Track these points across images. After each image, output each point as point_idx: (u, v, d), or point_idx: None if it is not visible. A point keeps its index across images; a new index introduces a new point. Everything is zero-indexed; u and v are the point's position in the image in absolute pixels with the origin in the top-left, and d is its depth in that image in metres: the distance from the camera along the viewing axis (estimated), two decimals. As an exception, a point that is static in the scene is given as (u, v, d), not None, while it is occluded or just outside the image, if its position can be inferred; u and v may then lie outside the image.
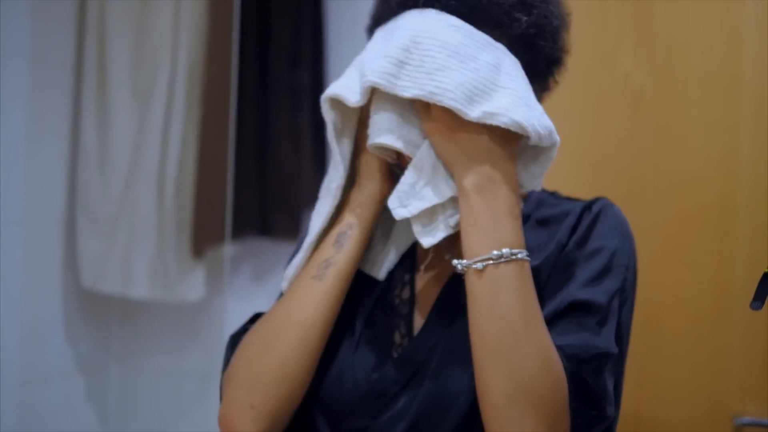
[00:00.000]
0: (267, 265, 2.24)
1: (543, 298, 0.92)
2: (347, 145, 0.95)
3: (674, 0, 1.71)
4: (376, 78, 0.85)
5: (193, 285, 2.24)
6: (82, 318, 2.37)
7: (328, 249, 0.96)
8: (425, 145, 0.89)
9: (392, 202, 0.90)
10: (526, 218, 1.01)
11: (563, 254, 0.94)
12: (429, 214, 0.90)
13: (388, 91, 0.86)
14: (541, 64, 0.96)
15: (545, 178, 0.97)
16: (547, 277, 0.93)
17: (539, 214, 0.99)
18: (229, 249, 2.24)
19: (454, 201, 0.90)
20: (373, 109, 0.90)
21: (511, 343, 0.82)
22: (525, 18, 0.91)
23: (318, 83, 2.18)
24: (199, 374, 2.32)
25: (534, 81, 0.97)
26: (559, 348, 0.86)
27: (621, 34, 1.74)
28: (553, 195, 1.06)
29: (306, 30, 2.16)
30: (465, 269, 0.86)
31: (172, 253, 2.23)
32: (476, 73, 0.85)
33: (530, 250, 0.94)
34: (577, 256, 0.94)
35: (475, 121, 0.85)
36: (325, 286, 0.94)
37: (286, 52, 2.16)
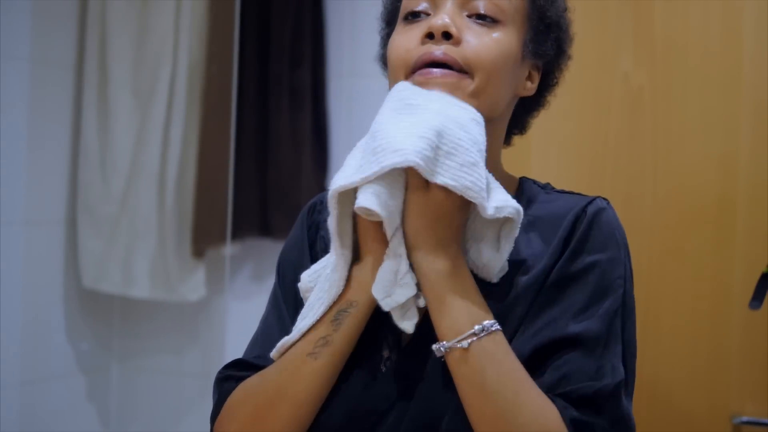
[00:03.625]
0: (267, 265, 2.24)
1: (532, 318, 0.91)
2: (348, 225, 0.93)
3: (673, 0, 1.71)
4: (417, 159, 0.82)
5: (193, 285, 2.24)
6: (82, 318, 2.37)
7: (326, 326, 0.92)
8: (399, 232, 0.89)
9: (378, 293, 0.89)
10: None
11: (555, 270, 0.93)
12: (406, 302, 0.90)
13: (424, 175, 0.84)
14: (550, 49, 0.99)
15: (542, 171, 0.97)
16: (537, 295, 0.92)
17: (530, 214, 0.97)
18: (229, 249, 2.24)
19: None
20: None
21: (507, 416, 0.84)
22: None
23: (318, 83, 2.18)
24: (199, 374, 2.33)
25: (538, 53, 0.99)
26: (565, 394, 0.86)
27: (620, 34, 1.75)
28: (545, 188, 1.04)
29: (306, 30, 2.16)
30: (448, 350, 0.87)
31: (172, 253, 2.23)
32: (486, 175, 0.88)
33: (523, 260, 0.94)
34: (569, 275, 0.92)
35: (490, 217, 0.87)
36: (319, 366, 0.92)
37: (286, 52, 2.16)
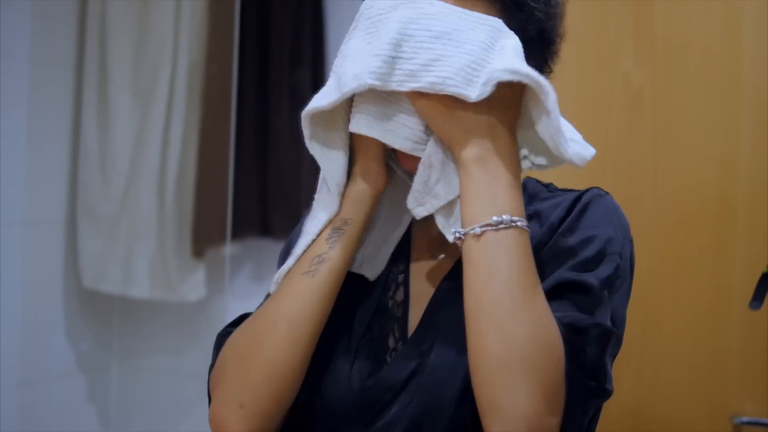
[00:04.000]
0: (267, 265, 2.24)
1: None
2: (343, 139, 0.92)
3: (673, 0, 1.71)
4: (370, 79, 0.83)
5: (193, 285, 2.24)
6: (82, 318, 2.38)
7: (321, 245, 0.93)
8: (431, 141, 0.88)
9: (410, 202, 0.89)
10: None
11: (552, 242, 0.92)
12: (449, 207, 0.89)
13: (383, 89, 0.84)
14: (533, 30, 0.94)
15: (542, 171, 0.96)
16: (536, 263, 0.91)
17: (532, 209, 0.97)
18: (229, 249, 2.24)
19: None
20: (355, 102, 0.88)
21: (507, 309, 0.80)
22: None
23: (318, 83, 2.18)
24: (199, 374, 2.31)
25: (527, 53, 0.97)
26: (557, 318, 0.83)
27: (620, 34, 1.75)
28: (548, 187, 1.04)
29: (306, 30, 2.16)
30: (463, 237, 0.84)
31: (172, 253, 2.23)
32: (473, 55, 0.84)
33: None
34: (566, 244, 0.91)
35: (476, 100, 0.83)
36: (316, 282, 0.91)
37: (286, 52, 2.17)
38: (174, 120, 2.22)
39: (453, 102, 0.85)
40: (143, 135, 2.24)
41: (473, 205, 0.84)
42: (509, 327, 0.80)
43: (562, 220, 0.94)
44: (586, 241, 0.92)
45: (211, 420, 0.93)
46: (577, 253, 0.90)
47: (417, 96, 0.85)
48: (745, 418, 1.63)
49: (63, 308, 2.33)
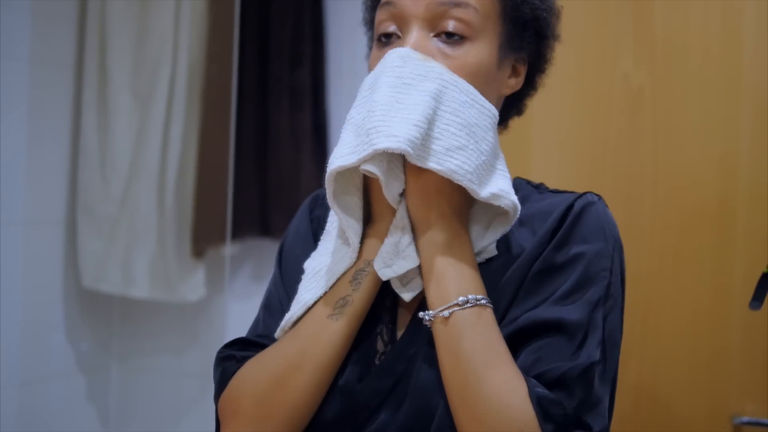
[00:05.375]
0: (267, 265, 2.24)
1: (516, 305, 0.92)
2: (354, 199, 0.96)
3: (673, 0, 1.71)
4: (408, 147, 0.85)
5: (193, 285, 2.24)
6: (82, 318, 2.38)
7: (345, 287, 0.94)
8: (403, 206, 0.93)
9: (377, 264, 0.93)
10: None
11: (540, 260, 0.93)
12: (404, 273, 0.94)
13: (411, 161, 0.87)
14: (527, 12, 0.98)
15: (542, 171, 0.98)
16: (522, 283, 0.93)
17: (523, 213, 0.98)
18: (229, 249, 2.24)
19: None
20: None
21: (473, 386, 0.85)
22: None
23: (318, 83, 2.18)
24: (199, 374, 2.33)
25: (520, 48, 1.00)
26: (539, 375, 0.86)
27: (620, 34, 1.75)
28: (538, 188, 1.05)
29: (306, 30, 2.16)
30: (432, 319, 0.89)
31: (172, 253, 2.23)
32: (486, 155, 0.90)
33: (512, 253, 0.96)
34: (554, 263, 0.93)
35: (483, 200, 0.89)
36: (341, 326, 0.93)
37: (286, 52, 2.16)
38: (174, 120, 2.22)
39: (443, 188, 0.90)
40: (143, 135, 2.24)
41: (439, 288, 0.90)
42: (477, 405, 0.84)
43: (554, 231, 0.95)
44: (576, 259, 0.93)
45: None
46: (566, 275, 0.92)
47: (417, 168, 0.89)
48: (745, 418, 1.63)
49: (63, 308, 2.33)
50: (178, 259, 2.23)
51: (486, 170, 0.90)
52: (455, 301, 0.88)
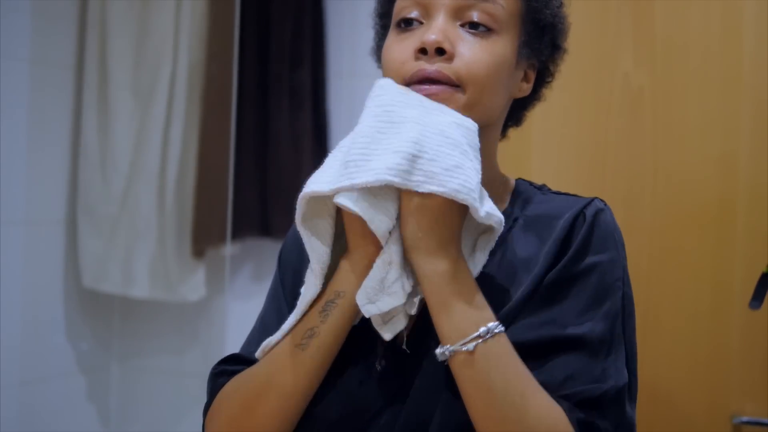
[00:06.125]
0: (267, 265, 2.24)
1: (529, 314, 0.91)
2: (325, 225, 0.92)
3: (673, 0, 1.71)
4: (389, 177, 0.83)
5: (193, 285, 2.24)
6: (82, 318, 2.37)
7: (314, 317, 0.93)
8: (393, 239, 0.88)
9: (360, 299, 0.89)
10: (513, 220, 0.98)
11: (556, 270, 0.92)
12: (388, 311, 0.90)
13: (401, 187, 0.84)
14: (549, 16, 0.97)
15: (542, 171, 0.97)
16: (532, 294, 0.92)
17: (527, 214, 0.97)
18: (229, 249, 2.24)
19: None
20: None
21: (515, 421, 0.83)
22: None
23: (318, 83, 2.18)
24: (199, 374, 2.31)
25: (535, 52, 0.99)
26: (570, 395, 0.86)
27: (620, 34, 1.75)
28: (541, 190, 1.04)
29: (306, 30, 2.16)
30: (452, 354, 0.86)
31: (172, 253, 2.23)
32: (477, 174, 0.87)
33: (521, 261, 0.94)
34: (570, 275, 0.92)
35: (481, 220, 0.86)
36: (307, 357, 0.92)
37: (286, 52, 2.16)
38: (174, 120, 2.22)
39: (443, 212, 0.86)
40: (143, 135, 2.24)
41: (453, 320, 0.86)
42: None
43: (565, 239, 0.94)
44: (590, 271, 0.92)
45: None
46: (584, 286, 0.91)
47: (414, 195, 0.86)
48: (745, 418, 1.63)
49: (63, 308, 2.32)
50: (178, 259, 2.23)
51: (479, 189, 0.88)
52: (476, 333, 0.85)
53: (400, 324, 0.90)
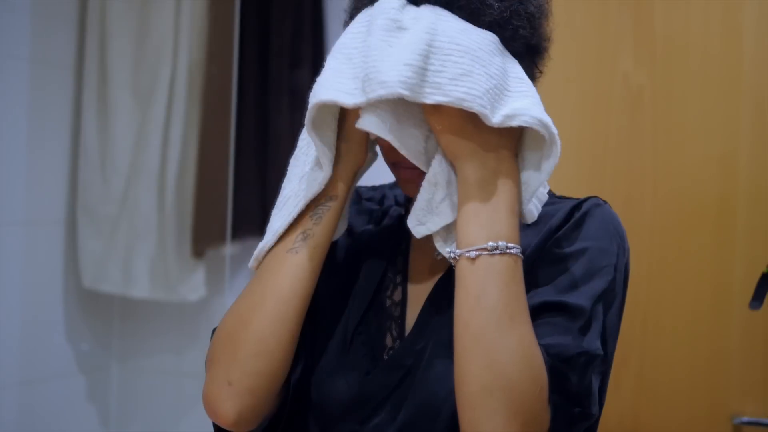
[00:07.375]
0: (267, 265, 2.24)
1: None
2: (331, 137, 0.94)
3: (673, 0, 1.71)
4: (401, 89, 0.81)
5: (193, 285, 2.24)
6: (82, 318, 2.38)
7: (305, 221, 0.95)
8: (438, 159, 0.88)
9: (411, 221, 0.89)
10: None
11: (545, 251, 0.93)
12: (447, 228, 0.89)
13: (410, 100, 0.83)
14: (519, 47, 0.93)
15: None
16: (525, 274, 0.91)
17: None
18: (229, 249, 2.24)
19: None
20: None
21: (493, 334, 0.81)
22: (497, 4, 0.90)
23: (318, 83, 2.18)
24: (199, 374, 2.32)
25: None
26: (542, 346, 0.84)
27: (620, 34, 1.75)
28: (548, 194, 1.04)
29: (306, 30, 2.16)
30: (457, 258, 0.85)
31: (172, 253, 2.23)
32: (496, 79, 0.85)
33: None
34: (559, 256, 0.92)
35: (496, 125, 0.84)
36: (301, 258, 0.93)
37: (286, 52, 2.16)
38: (174, 120, 2.22)
39: (466, 120, 0.85)
40: (143, 135, 2.24)
41: (471, 226, 0.85)
42: (494, 353, 0.80)
43: (560, 227, 0.95)
44: (580, 253, 0.92)
45: (203, 399, 0.94)
46: (570, 266, 0.91)
47: (432, 109, 0.86)
48: (745, 418, 1.63)
49: (63, 308, 2.33)
50: (178, 259, 2.23)
51: (498, 95, 0.85)
52: (484, 245, 0.83)
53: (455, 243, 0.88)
